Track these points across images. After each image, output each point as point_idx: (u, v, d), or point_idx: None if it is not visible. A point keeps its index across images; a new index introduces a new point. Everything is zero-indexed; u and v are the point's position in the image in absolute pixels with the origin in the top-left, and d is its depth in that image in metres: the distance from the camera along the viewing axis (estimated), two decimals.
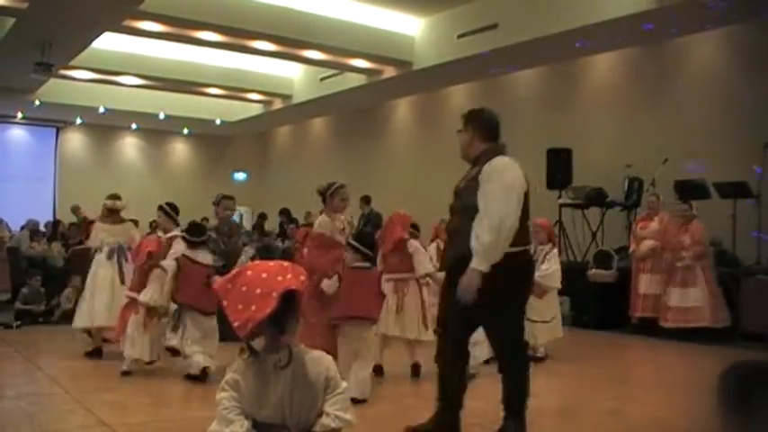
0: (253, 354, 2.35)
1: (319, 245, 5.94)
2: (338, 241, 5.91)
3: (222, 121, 18.76)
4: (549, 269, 7.14)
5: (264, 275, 2.32)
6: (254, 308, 2.26)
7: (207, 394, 5.22)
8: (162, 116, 17.90)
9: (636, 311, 9.28)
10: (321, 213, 6.20)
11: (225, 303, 2.37)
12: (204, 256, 6.33)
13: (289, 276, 2.37)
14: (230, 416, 2.33)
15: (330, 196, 6.01)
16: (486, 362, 7.14)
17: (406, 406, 5.31)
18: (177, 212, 7.04)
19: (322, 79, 14.97)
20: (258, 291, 2.28)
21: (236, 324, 2.30)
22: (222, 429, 2.33)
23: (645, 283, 9.19)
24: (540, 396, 5.89)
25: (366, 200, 13.28)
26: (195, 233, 6.40)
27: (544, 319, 7.19)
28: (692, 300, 8.54)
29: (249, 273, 2.36)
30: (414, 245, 6.47)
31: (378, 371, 6.17)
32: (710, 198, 9.08)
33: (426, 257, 6.67)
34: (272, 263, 2.47)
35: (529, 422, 4.23)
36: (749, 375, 1.41)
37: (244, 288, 2.30)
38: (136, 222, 7.02)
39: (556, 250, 7.46)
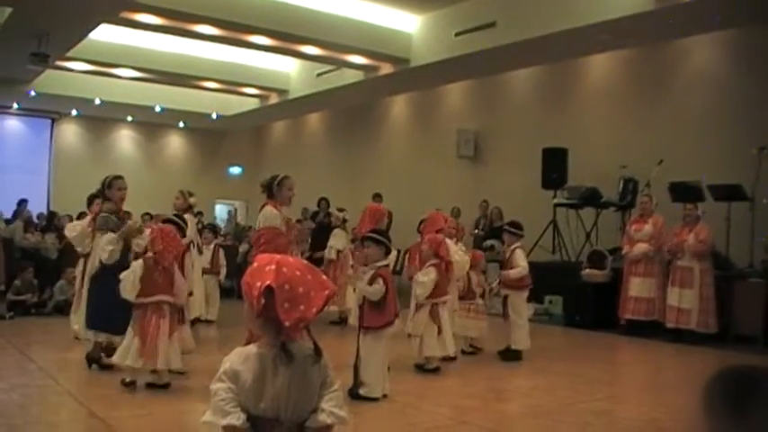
0: (288, 356, 2.33)
1: (271, 240, 5.58)
2: (283, 232, 5.72)
3: (218, 115, 18.71)
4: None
5: (299, 273, 2.34)
6: (302, 307, 2.30)
7: (197, 388, 5.22)
8: (158, 109, 17.87)
9: (625, 314, 9.25)
10: (266, 206, 5.88)
11: (262, 302, 2.29)
12: None
13: (323, 277, 2.42)
14: (227, 407, 2.31)
15: (278, 186, 5.87)
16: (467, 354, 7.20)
17: (402, 404, 5.31)
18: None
19: (319, 75, 14.94)
20: (300, 289, 2.31)
21: (287, 324, 2.29)
22: (218, 420, 2.31)
23: (636, 287, 9.16)
24: (530, 396, 5.92)
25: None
26: None
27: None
28: (686, 302, 8.56)
29: (285, 270, 2.35)
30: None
31: None
32: (705, 200, 9.10)
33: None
34: (291, 258, 2.46)
35: (519, 422, 4.25)
36: (736, 383, 1.41)
37: (287, 287, 2.30)
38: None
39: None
